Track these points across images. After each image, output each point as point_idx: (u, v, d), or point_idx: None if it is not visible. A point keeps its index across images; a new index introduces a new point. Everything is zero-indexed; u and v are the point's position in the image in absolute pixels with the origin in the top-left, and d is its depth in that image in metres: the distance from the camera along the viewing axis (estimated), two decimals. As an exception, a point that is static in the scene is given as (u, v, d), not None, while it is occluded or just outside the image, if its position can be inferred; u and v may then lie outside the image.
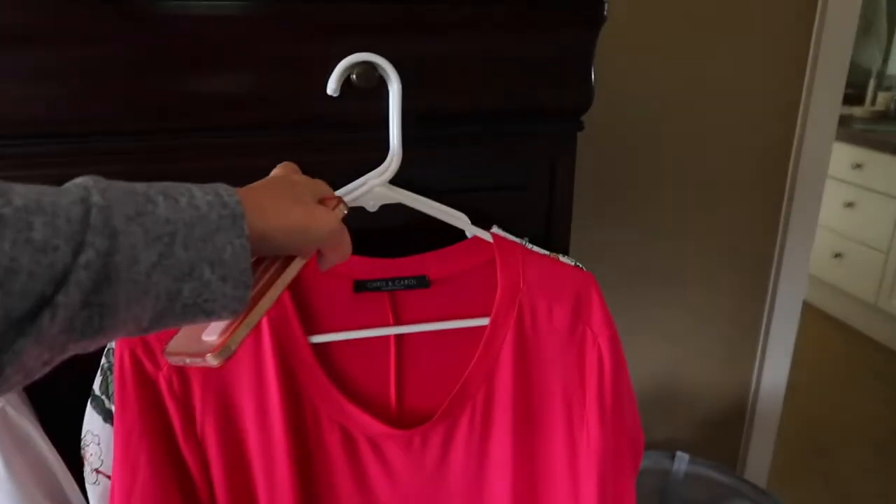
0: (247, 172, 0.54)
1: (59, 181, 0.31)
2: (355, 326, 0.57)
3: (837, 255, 2.82)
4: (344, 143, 0.58)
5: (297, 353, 0.55)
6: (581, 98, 0.61)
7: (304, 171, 0.58)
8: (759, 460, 1.42)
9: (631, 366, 1.31)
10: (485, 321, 0.58)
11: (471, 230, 0.60)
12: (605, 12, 0.59)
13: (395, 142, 0.55)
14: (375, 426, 0.56)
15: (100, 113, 0.52)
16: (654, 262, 1.22)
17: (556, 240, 0.65)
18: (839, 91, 1.22)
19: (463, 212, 0.60)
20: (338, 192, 0.56)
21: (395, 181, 0.57)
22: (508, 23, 0.57)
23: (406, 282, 0.58)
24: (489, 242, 0.59)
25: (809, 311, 2.83)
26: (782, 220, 1.31)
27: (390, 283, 0.58)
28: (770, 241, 1.31)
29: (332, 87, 0.53)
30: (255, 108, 0.56)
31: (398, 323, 0.59)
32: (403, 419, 0.59)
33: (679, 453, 1.28)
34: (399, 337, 0.59)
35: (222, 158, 0.57)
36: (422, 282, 0.59)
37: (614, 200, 1.16)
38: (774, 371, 1.36)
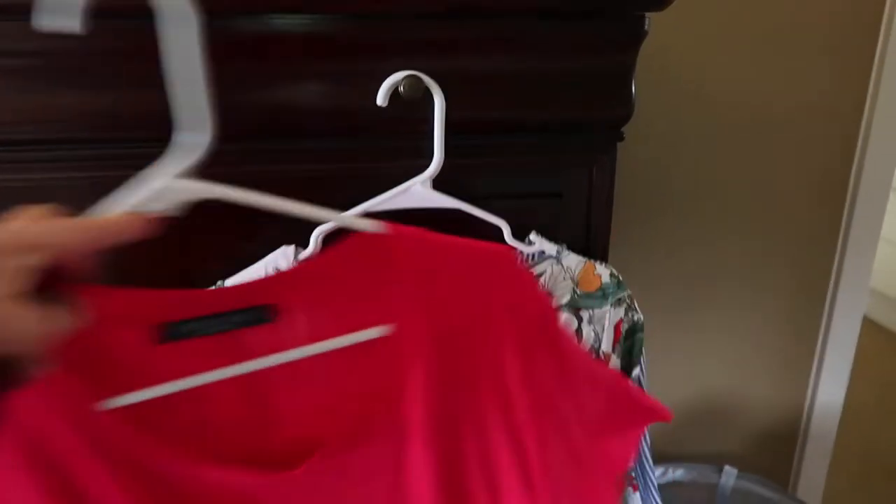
0: (309, 178, 0.59)
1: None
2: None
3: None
4: (391, 150, 0.62)
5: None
6: (621, 111, 0.63)
7: (358, 177, 0.62)
8: (812, 481, 1.39)
9: (682, 377, 1.31)
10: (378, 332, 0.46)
11: (508, 234, 0.63)
12: (646, 28, 0.61)
13: (438, 147, 0.59)
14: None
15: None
16: (708, 276, 1.22)
17: (594, 248, 0.67)
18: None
19: (502, 218, 0.63)
20: (384, 196, 0.60)
21: (437, 188, 0.60)
22: (550, 40, 0.60)
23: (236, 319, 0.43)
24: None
25: (872, 328, 2.72)
26: (842, 232, 1.28)
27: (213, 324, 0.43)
28: (829, 254, 1.29)
29: (381, 98, 0.57)
30: (312, 118, 0.60)
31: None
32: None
33: (727, 468, 1.26)
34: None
35: (287, 163, 0.62)
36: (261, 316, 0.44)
37: (667, 212, 1.16)
38: (831, 387, 1.33)
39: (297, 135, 0.61)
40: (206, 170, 0.53)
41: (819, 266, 1.29)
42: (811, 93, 1.14)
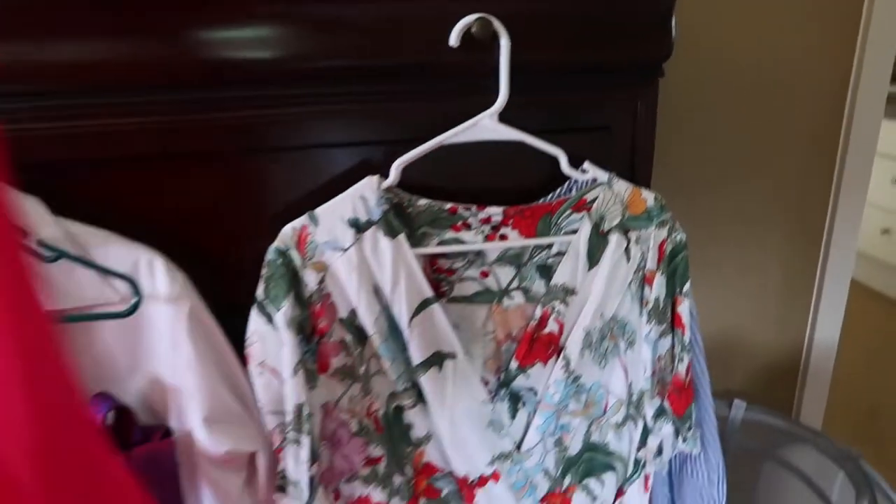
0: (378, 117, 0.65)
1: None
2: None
3: (885, 232, 2.84)
4: (458, 89, 0.69)
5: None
6: (662, 49, 0.70)
7: (433, 113, 0.68)
8: (813, 411, 1.49)
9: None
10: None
11: (565, 163, 0.70)
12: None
13: (504, 85, 0.66)
14: None
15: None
16: (715, 218, 1.30)
17: (638, 176, 0.75)
18: (888, 69, 1.29)
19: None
20: (456, 129, 0.67)
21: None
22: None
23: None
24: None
25: (857, 288, 2.86)
26: (834, 182, 1.37)
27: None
28: (824, 200, 1.38)
29: (454, 39, 0.64)
30: (388, 57, 0.66)
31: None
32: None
33: (736, 401, 1.35)
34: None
35: (359, 104, 0.68)
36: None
37: (678, 159, 1.24)
38: (828, 324, 1.43)
39: (378, 77, 0.67)
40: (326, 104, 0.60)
41: (815, 210, 1.38)
42: (799, 53, 1.23)
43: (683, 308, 0.74)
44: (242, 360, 0.69)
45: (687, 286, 0.74)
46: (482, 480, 0.74)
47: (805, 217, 1.39)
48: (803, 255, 1.41)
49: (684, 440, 0.76)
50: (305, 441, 0.67)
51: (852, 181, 1.38)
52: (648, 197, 0.73)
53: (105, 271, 0.61)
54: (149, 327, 0.65)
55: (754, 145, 1.30)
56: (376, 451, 0.73)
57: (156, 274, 0.64)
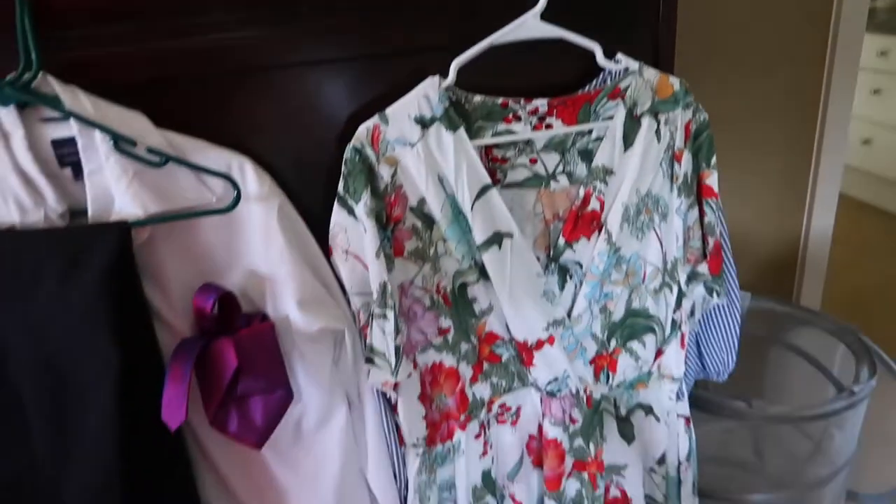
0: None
1: None
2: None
3: (866, 142, 2.95)
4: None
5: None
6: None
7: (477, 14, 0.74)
8: (812, 297, 1.61)
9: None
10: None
11: (600, 55, 0.78)
12: None
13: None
14: None
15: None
16: (723, 119, 1.39)
17: (662, 66, 0.83)
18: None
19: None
20: (506, 29, 0.74)
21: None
22: None
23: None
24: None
25: (840, 198, 2.99)
26: (823, 89, 1.47)
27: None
28: (815, 104, 1.48)
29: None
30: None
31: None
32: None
33: (742, 292, 1.46)
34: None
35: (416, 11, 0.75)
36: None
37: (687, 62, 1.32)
38: (822, 217, 1.54)
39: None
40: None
41: (809, 113, 1.48)
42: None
43: (712, 180, 0.83)
44: (323, 251, 0.78)
45: (713, 160, 0.83)
46: (539, 344, 0.84)
47: (800, 119, 1.49)
48: (799, 155, 1.52)
49: (718, 295, 0.86)
50: (391, 315, 0.76)
51: (839, 88, 1.48)
52: (675, 82, 0.81)
53: (209, 172, 0.69)
54: (243, 224, 0.74)
55: (752, 58, 1.39)
56: (446, 322, 0.82)
57: (246, 175, 0.72)
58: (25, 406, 0.67)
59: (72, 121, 0.65)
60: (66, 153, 0.67)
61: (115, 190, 0.67)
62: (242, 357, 0.71)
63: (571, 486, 0.91)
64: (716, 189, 0.84)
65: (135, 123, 0.67)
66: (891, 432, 1.52)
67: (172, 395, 0.68)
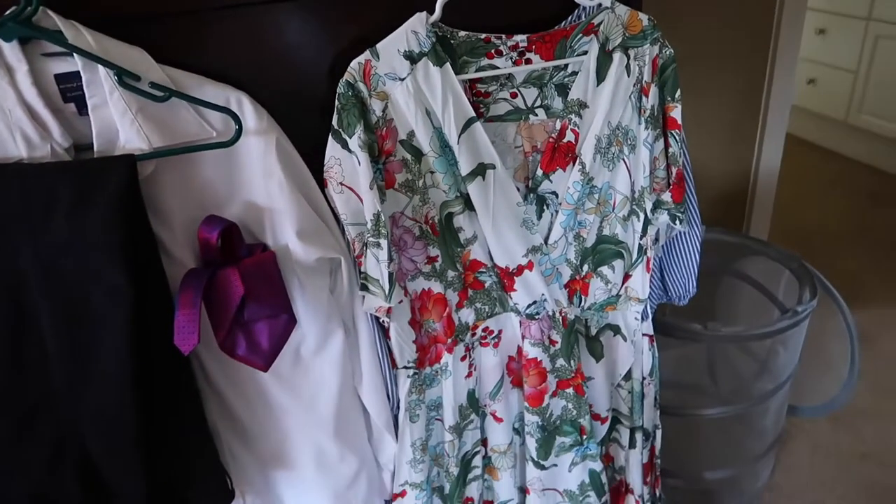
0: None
1: None
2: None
3: (811, 82, 3.07)
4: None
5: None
6: None
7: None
8: (760, 229, 1.72)
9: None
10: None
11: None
12: None
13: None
14: None
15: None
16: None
17: (632, 3, 0.88)
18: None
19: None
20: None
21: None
22: None
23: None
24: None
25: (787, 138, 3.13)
26: (773, 27, 1.54)
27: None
28: (765, 43, 1.55)
29: None
30: None
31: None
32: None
33: (697, 225, 1.56)
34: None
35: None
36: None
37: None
38: (771, 152, 1.63)
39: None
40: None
41: (758, 52, 1.55)
42: None
43: (676, 112, 0.89)
44: (318, 183, 0.81)
45: (678, 94, 0.89)
46: (519, 270, 0.91)
47: (750, 58, 1.56)
48: (749, 92, 1.60)
49: (680, 222, 0.93)
50: (384, 243, 0.81)
51: (788, 27, 1.55)
52: (643, 18, 0.86)
53: (211, 106, 0.72)
54: (242, 158, 0.77)
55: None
56: (434, 251, 0.88)
57: (245, 110, 0.75)
58: (42, 334, 0.70)
59: (75, 56, 0.66)
60: (70, 88, 0.69)
61: (119, 124, 0.69)
62: (248, 285, 0.75)
63: (556, 404, 0.99)
64: (679, 121, 0.91)
65: (137, 58, 0.69)
66: (827, 351, 1.66)
67: (184, 321, 0.71)
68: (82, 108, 0.69)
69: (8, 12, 0.64)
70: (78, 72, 0.68)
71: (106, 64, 0.66)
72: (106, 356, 0.72)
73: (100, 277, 0.69)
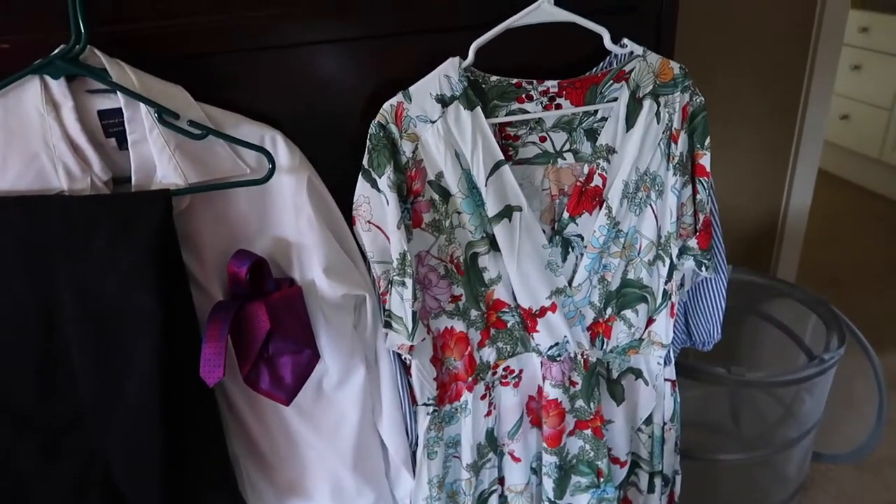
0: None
1: None
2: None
3: (844, 117, 3.04)
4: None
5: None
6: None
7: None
8: (788, 269, 1.70)
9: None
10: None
11: (608, 40, 0.83)
12: None
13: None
14: None
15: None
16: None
17: (663, 51, 0.88)
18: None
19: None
20: (521, 13, 0.79)
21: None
22: None
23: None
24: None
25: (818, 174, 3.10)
26: (808, 63, 1.53)
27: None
28: (798, 80, 1.54)
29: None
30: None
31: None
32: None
33: (724, 264, 1.54)
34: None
35: None
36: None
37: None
38: (801, 193, 1.62)
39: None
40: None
41: (791, 89, 1.55)
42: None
43: (705, 160, 0.89)
44: (347, 221, 0.83)
45: (707, 141, 0.89)
46: (542, 311, 0.91)
47: (783, 95, 1.55)
48: (780, 131, 1.59)
49: (706, 268, 0.93)
50: (409, 282, 0.82)
51: (823, 64, 1.55)
52: (675, 66, 0.86)
53: (246, 145, 0.73)
54: (274, 195, 0.78)
55: (738, 35, 1.45)
56: (458, 290, 0.88)
57: (278, 148, 0.77)
58: (73, 360, 0.72)
59: (118, 93, 0.68)
60: (112, 123, 0.71)
61: (157, 160, 0.71)
62: (274, 319, 0.76)
63: (574, 444, 0.99)
64: (708, 168, 0.91)
65: (176, 96, 0.71)
66: (854, 398, 1.63)
67: (211, 354, 0.73)
68: (122, 143, 0.72)
69: (56, 50, 0.67)
70: (120, 108, 0.70)
71: (147, 102, 0.68)
72: (134, 382, 0.73)
73: (132, 305, 0.71)
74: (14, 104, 0.67)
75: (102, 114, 0.71)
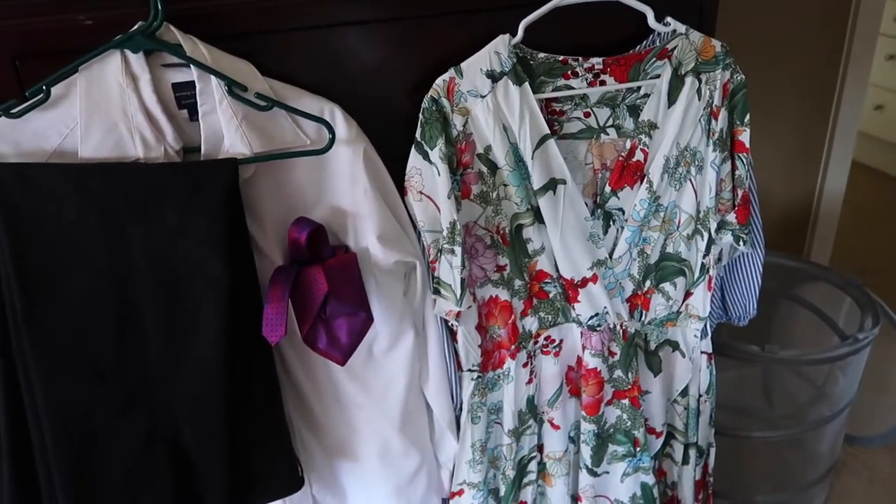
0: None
1: None
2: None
3: (878, 108, 3.00)
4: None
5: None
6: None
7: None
8: (821, 253, 1.71)
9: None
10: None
11: (651, 18, 0.86)
12: None
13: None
14: None
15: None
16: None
17: (705, 30, 0.91)
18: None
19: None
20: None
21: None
22: None
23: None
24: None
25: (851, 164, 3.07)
26: (842, 63, 1.54)
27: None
28: (834, 68, 1.55)
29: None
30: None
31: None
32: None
33: (757, 247, 1.56)
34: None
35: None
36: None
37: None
38: (836, 177, 1.63)
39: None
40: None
41: (826, 76, 1.55)
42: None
43: (745, 136, 0.92)
44: (399, 191, 0.87)
45: (747, 118, 0.91)
46: (584, 282, 0.94)
47: (818, 83, 1.56)
48: (814, 119, 1.60)
49: (744, 242, 0.95)
50: (458, 250, 0.85)
51: (859, 53, 1.55)
52: (716, 44, 0.89)
53: (307, 116, 0.78)
54: (331, 165, 0.82)
55: (775, 23, 1.46)
56: (503, 260, 0.92)
57: (336, 120, 0.81)
58: (144, 322, 0.77)
59: (192, 66, 0.73)
60: (184, 96, 0.76)
61: (225, 130, 0.76)
62: (331, 283, 0.80)
63: (611, 413, 1.02)
64: (747, 144, 0.93)
65: (244, 70, 0.76)
66: (887, 380, 1.63)
67: (273, 314, 0.77)
68: (193, 114, 0.76)
69: (136, 27, 0.72)
70: (192, 81, 0.74)
71: (219, 75, 0.73)
72: (201, 342, 0.78)
73: (201, 268, 0.76)
74: (97, 76, 0.72)
75: (176, 86, 0.75)
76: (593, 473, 1.05)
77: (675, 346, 1.05)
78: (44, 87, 0.70)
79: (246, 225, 0.78)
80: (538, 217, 0.90)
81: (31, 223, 0.71)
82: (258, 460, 0.86)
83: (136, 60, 0.73)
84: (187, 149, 0.77)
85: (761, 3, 1.43)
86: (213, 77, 0.74)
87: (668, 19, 0.88)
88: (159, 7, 0.71)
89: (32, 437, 0.77)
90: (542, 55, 0.85)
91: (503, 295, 0.94)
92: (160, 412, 0.80)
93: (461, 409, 0.98)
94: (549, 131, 0.86)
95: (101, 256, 0.74)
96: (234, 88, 0.74)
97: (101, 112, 0.73)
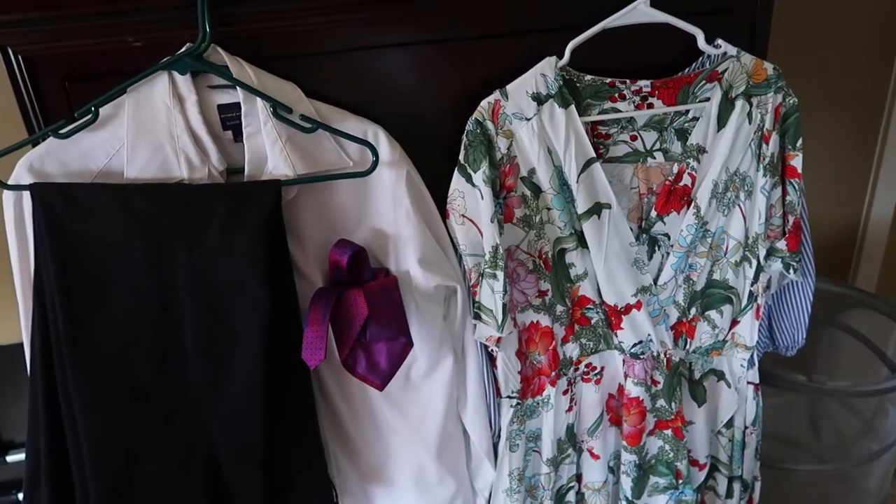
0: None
1: None
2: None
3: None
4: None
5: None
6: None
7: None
8: (868, 279, 1.65)
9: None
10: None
11: (702, 40, 0.84)
12: None
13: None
14: None
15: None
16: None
17: (757, 52, 0.88)
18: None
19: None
20: (617, 14, 0.81)
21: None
22: None
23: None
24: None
25: None
26: (892, 84, 1.50)
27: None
28: (881, 96, 1.51)
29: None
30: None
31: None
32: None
33: (802, 272, 1.52)
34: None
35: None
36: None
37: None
38: (884, 201, 1.58)
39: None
40: None
41: (877, 106, 1.51)
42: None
43: (797, 161, 0.89)
44: (441, 214, 0.85)
45: (799, 143, 0.89)
46: (627, 309, 0.92)
47: (866, 106, 1.52)
48: (864, 138, 1.55)
49: (795, 271, 0.92)
50: (500, 275, 0.84)
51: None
52: (769, 67, 0.87)
53: (352, 139, 0.77)
54: (374, 187, 0.82)
55: (825, 44, 1.43)
56: (545, 285, 0.90)
57: (380, 142, 0.80)
58: (185, 340, 0.77)
59: (238, 88, 0.73)
60: (229, 117, 0.76)
61: (269, 152, 0.75)
62: (371, 306, 0.79)
63: (654, 443, 0.99)
64: (800, 170, 0.90)
65: (289, 92, 0.76)
66: (940, 414, 1.56)
67: (312, 337, 0.76)
68: (238, 135, 0.76)
69: (184, 48, 0.72)
70: (238, 103, 0.74)
71: (264, 97, 0.73)
72: (240, 363, 0.77)
73: (242, 289, 0.75)
74: (145, 98, 0.73)
75: (221, 108, 0.75)
76: (634, 506, 1.02)
77: (720, 375, 1.02)
78: (93, 108, 0.71)
79: (287, 247, 0.78)
80: (581, 241, 0.88)
81: (77, 243, 0.71)
82: (293, 482, 0.85)
83: (184, 82, 0.73)
84: (231, 170, 0.77)
85: (810, 27, 1.40)
86: (258, 99, 0.73)
87: (719, 41, 0.86)
88: (207, 29, 0.71)
89: (71, 458, 0.77)
90: (588, 77, 0.84)
91: (544, 320, 0.92)
92: (198, 432, 0.79)
93: (499, 436, 0.96)
94: (594, 154, 0.84)
95: (144, 277, 0.74)
96: (280, 110, 0.73)
97: (148, 133, 0.73)
